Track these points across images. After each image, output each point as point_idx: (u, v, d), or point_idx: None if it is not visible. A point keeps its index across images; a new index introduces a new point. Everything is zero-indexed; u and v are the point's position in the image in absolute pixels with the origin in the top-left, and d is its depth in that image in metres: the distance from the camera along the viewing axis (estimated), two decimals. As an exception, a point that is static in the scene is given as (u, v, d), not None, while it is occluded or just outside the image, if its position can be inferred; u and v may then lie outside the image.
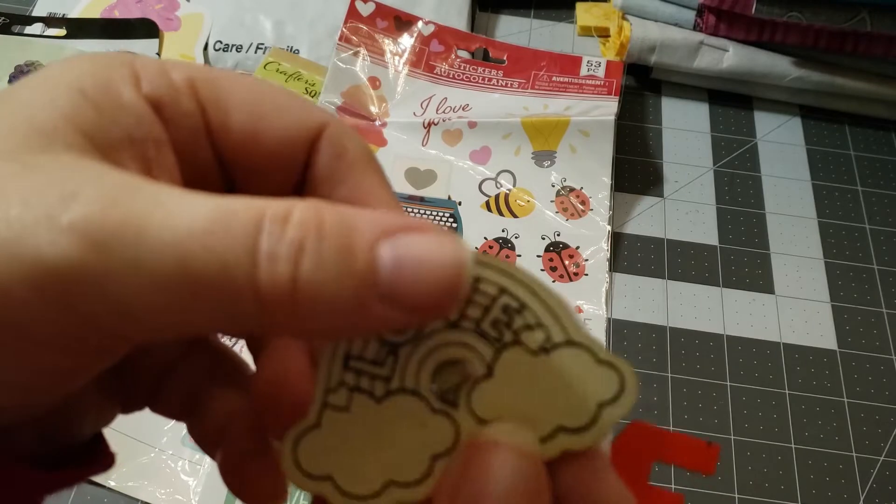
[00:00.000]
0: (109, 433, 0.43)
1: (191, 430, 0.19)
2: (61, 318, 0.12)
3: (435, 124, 0.53)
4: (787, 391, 0.45)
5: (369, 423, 0.16)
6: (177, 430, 0.41)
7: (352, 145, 0.17)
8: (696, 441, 0.16)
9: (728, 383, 0.45)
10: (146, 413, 0.41)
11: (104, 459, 0.18)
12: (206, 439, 0.19)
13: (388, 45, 0.56)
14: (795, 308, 0.48)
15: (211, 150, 0.16)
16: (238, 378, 0.19)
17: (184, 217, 0.12)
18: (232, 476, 0.18)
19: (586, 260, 0.49)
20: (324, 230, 0.13)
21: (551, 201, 0.51)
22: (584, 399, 0.15)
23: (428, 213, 0.50)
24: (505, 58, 0.56)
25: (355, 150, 0.17)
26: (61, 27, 0.57)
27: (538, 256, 0.49)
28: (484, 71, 0.56)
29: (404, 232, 0.13)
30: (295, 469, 0.16)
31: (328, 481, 0.16)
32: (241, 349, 0.21)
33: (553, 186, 0.52)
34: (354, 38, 0.56)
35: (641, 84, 0.59)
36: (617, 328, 0.47)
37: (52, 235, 0.11)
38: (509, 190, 0.52)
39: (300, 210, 0.13)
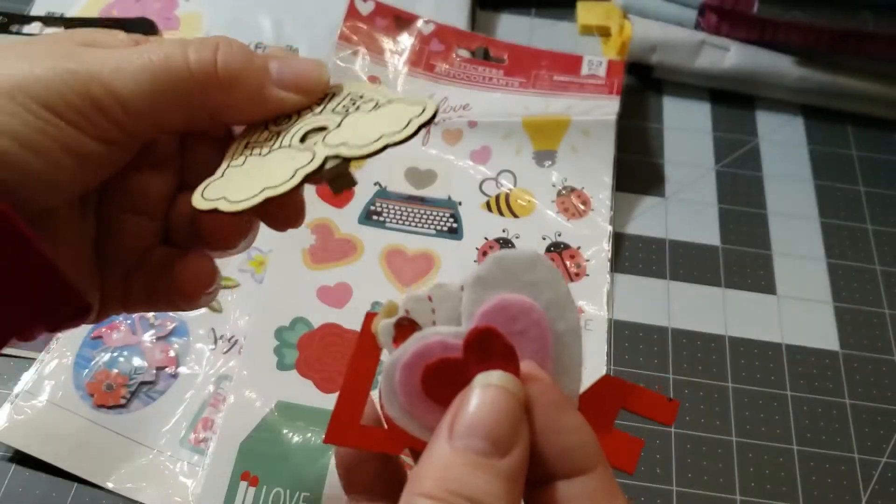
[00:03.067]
0: (108, 434, 0.43)
1: (157, 302, 0.26)
2: (80, 102, 0.20)
3: (435, 124, 0.53)
4: (788, 392, 0.45)
5: (255, 165, 0.22)
6: (175, 431, 0.41)
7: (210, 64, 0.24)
8: (658, 395, 0.20)
9: (730, 384, 0.45)
10: (145, 415, 0.42)
11: (85, 310, 0.24)
12: (163, 295, 0.26)
13: (387, 44, 0.56)
14: (797, 309, 0.48)
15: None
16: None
17: (145, 50, 0.22)
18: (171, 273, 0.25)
19: (587, 260, 0.49)
20: (227, 40, 0.23)
21: (552, 201, 0.51)
22: (400, 118, 0.22)
23: (428, 212, 0.50)
24: (505, 57, 0.56)
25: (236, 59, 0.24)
26: (60, 26, 0.56)
27: (539, 257, 0.49)
28: (484, 70, 0.56)
29: (285, 58, 0.24)
30: (200, 199, 0.22)
31: (221, 200, 0.22)
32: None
33: (554, 186, 0.51)
34: (354, 36, 0.55)
35: (643, 83, 0.59)
36: (618, 329, 0.47)
37: (76, 60, 0.21)
38: (510, 190, 0.51)
39: (210, 36, 0.23)
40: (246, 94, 0.22)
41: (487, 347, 0.19)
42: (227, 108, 0.23)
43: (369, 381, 0.20)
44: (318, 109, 0.23)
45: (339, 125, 0.22)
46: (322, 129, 0.23)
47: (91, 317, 0.24)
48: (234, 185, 0.22)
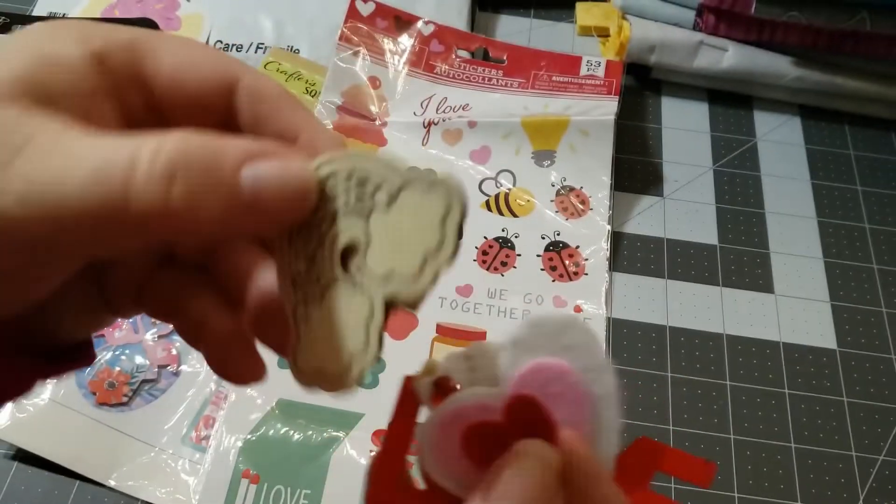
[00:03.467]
0: (110, 432, 0.43)
1: (177, 329, 0.22)
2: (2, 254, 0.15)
3: (435, 124, 0.53)
4: (786, 391, 0.45)
5: (323, 321, 0.20)
6: (177, 429, 0.41)
7: (268, 89, 0.20)
8: (695, 458, 0.20)
9: (728, 383, 0.45)
10: (147, 413, 0.42)
11: (86, 357, 0.22)
12: (189, 335, 0.21)
13: (388, 44, 0.56)
14: (795, 307, 0.48)
15: (141, 95, 0.19)
16: (208, 281, 0.22)
17: (76, 165, 0.15)
18: (217, 361, 0.21)
19: (586, 259, 0.49)
20: (190, 157, 0.16)
21: (551, 201, 0.51)
22: (431, 220, 0.19)
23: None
24: (505, 57, 0.56)
25: (272, 92, 0.20)
26: (61, 27, 0.57)
27: (538, 256, 0.49)
28: (484, 71, 0.56)
29: (262, 157, 0.17)
30: (301, 375, 0.20)
31: (319, 376, 0.20)
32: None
33: (553, 186, 0.52)
34: (354, 37, 0.56)
35: (641, 84, 0.59)
36: (617, 328, 0.47)
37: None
38: (509, 189, 0.52)
39: (170, 141, 0.16)
40: (210, 227, 0.16)
41: (527, 415, 0.19)
42: (181, 243, 0.20)
43: (409, 442, 0.21)
44: (331, 208, 0.20)
45: (369, 239, 0.20)
46: (354, 246, 0.20)
47: (93, 358, 0.23)
48: (319, 349, 0.21)
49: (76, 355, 0.21)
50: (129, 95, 0.19)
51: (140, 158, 0.15)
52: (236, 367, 0.21)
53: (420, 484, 0.21)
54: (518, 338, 0.20)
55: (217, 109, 0.20)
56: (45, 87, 0.17)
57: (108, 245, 0.16)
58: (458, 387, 0.20)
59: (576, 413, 0.19)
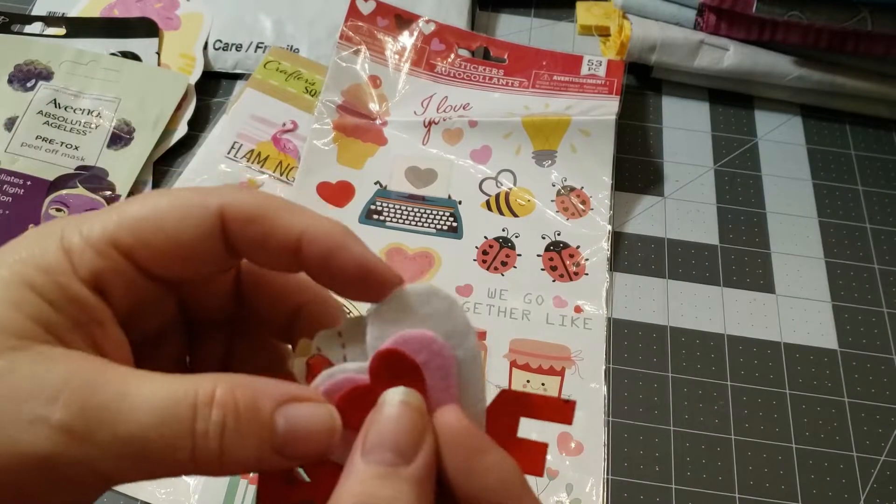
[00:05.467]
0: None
1: None
2: (50, 486, 0.17)
3: (435, 123, 0.53)
4: (787, 391, 0.45)
5: None
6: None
7: (249, 204, 0.20)
8: (554, 399, 0.21)
9: (728, 383, 0.45)
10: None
11: None
12: None
13: (388, 43, 0.56)
14: (796, 307, 0.48)
15: (149, 281, 0.20)
16: None
17: (140, 411, 0.17)
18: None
19: (587, 259, 0.49)
20: (238, 409, 0.18)
21: (552, 200, 0.51)
22: None
23: (428, 212, 0.50)
24: (506, 57, 0.56)
25: (254, 205, 0.20)
26: (61, 26, 0.57)
27: (538, 256, 0.49)
28: (485, 70, 0.56)
29: (293, 402, 0.19)
30: None
31: None
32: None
33: (553, 186, 0.51)
34: (355, 36, 0.55)
35: (642, 83, 0.59)
36: (617, 328, 0.47)
37: (44, 433, 0.16)
38: (510, 189, 0.51)
39: (220, 392, 0.18)
40: (244, 468, 0.18)
41: (392, 368, 0.20)
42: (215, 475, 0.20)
43: None
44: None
45: None
46: None
47: None
48: None
49: None
50: (134, 297, 0.20)
51: (198, 407, 0.17)
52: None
53: (305, 477, 0.21)
54: (381, 311, 0.20)
55: (216, 256, 0.21)
56: (56, 328, 0.18)
57: (151, 476, 0.18)
58: (333, 363, 0.21)
59: (444, 377, 0.20)
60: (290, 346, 0.25)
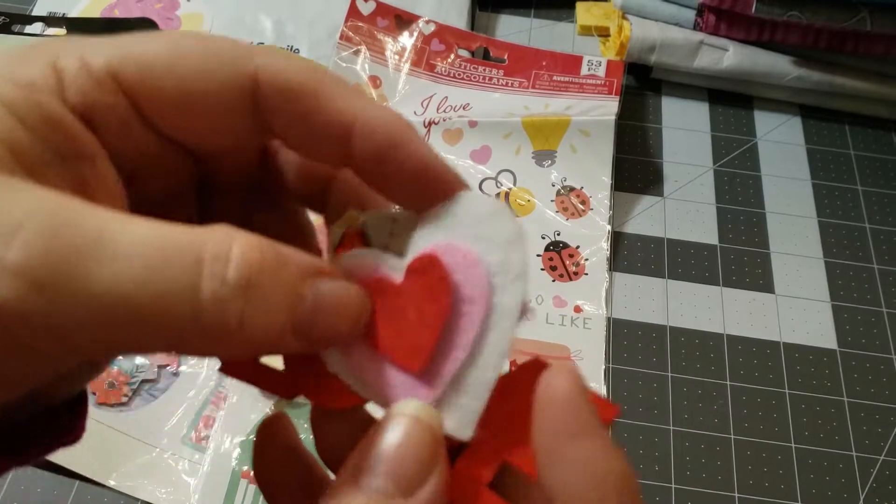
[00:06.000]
0: (110, 432, 0.43)
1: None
2: (7, 348, 0.13)
3: (435, 123, 0.53)
4: (786, 391, 0.45)
5: None
6: (176, 429, 0.41)
7: (296, 79, 0.16)
8: (596, 397, 0.16)
9: (728, 383, 0.45)
10: (147, 413, 0.42)
11: (74, 431, 0.18)
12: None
13: (388, 43, 0.56)
14: (795, 307, 0.48)
15: (152, 134, 0.17)
16: None
17: (123, 258, 0.13)
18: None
19: (586, 259, 0.49)
20: (260, 270, 0.14)
21: (551, 201, 0.51)
22: None
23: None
24: (506, 57, 0.56)
25: (300, 80, 0.16)
26: (61, 26, 0.57)
27: (538, 256, 0.49)
28: (484, 70, 0.56)
29: (322, 276, 0.16)
30: None
31: None
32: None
33: (553, 186, 0.52)
34: (355, 36, 0.56)
35: (641, 83, 0.59)
36: (617, 328, 0.47)
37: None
38: (509, 189, 0.52)
39: (238, 248, 0.14)
40: (257, 348, 0.15)
41: (424, 275, 0.17)
42: (221, 355, 0.17)
43: None
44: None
45: None
46: None
47: (81, 433, 0.19)
48: None
49: (64, 426, 0.18)
50: (129, 140, 0.16)
51: (205, 261, 0.13)
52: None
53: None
54: (437, 212, 0.17)
55: (242, 120, 0.17)
56: (35, 159, 0.14)
57: (143, 350, 0.14)
58: (371, 246, 0.18)
59: (465, 315, 0.17)
60: (317, 220, 0.21)
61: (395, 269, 0.18)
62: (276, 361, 0.18)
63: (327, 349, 0.17)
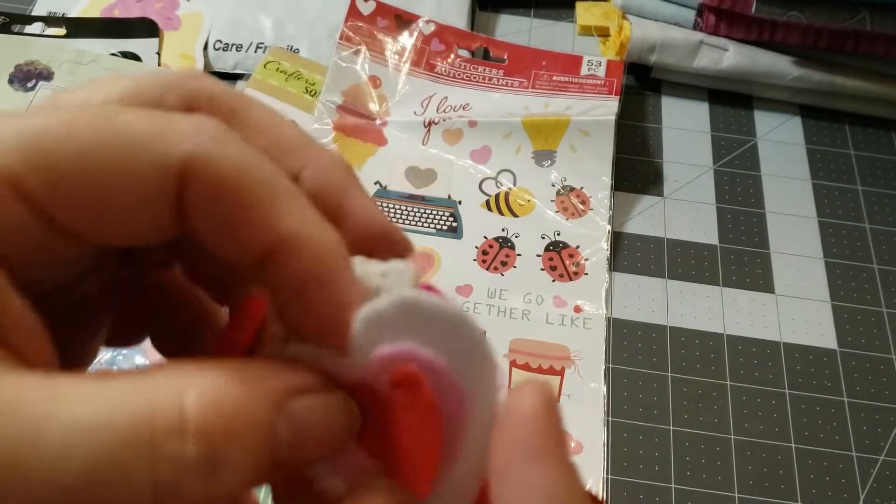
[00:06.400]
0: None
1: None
2: None
3: (435, 123, 0.53)
4: (787, 391, 0.45)
5: None
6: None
7: (227, 169, 0.14)
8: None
9: (728, 383, 0.45)
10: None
11: None
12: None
13: (388, 43, 0.56)
14: (795, 307, 0.48)
15: (60, 238, 0.14)
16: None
17: (62, 449, 0.11)
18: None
19: (586, 259, 0.49)
20: (228, 434, 0.12)
21: (551, 201, 0.51)
22: None
23: (428, 212, 0.50)
24: (506, 57, 0.56)
25: (231, 175, 0.14)
26: (61, 26, 0.57)
27: (538, 256, 0.49)
28: (484, 70, 0.56)
29: (298, 395, 0.14)
30: None
31: None
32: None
33: (553, 186, 0.52)
34: (355, 36, 0.56)
35: (641, 83, 0.59)
36: (617, 328, 0.47)
37: None
38: (509, 189, 0.51)
39: (194, 407, 0.12)
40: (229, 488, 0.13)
41: (403, 388, 0.15)
42: None
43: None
44: None
45: None
46: None
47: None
48: None
49: None
50: (34, 253, 0.14)
51: (157, 439, 0.12)
52: None
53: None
54: (382, 312, 0.15)
55: (156, 206, 0.14)
56: None
57: None
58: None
59: (430, 430, 0.15)
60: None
61: (341, 371, 0.15)
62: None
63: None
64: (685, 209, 0.53)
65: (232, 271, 0.17)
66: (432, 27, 0.57)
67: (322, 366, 0.15)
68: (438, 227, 0.50)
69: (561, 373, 0.45)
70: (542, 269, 0.48)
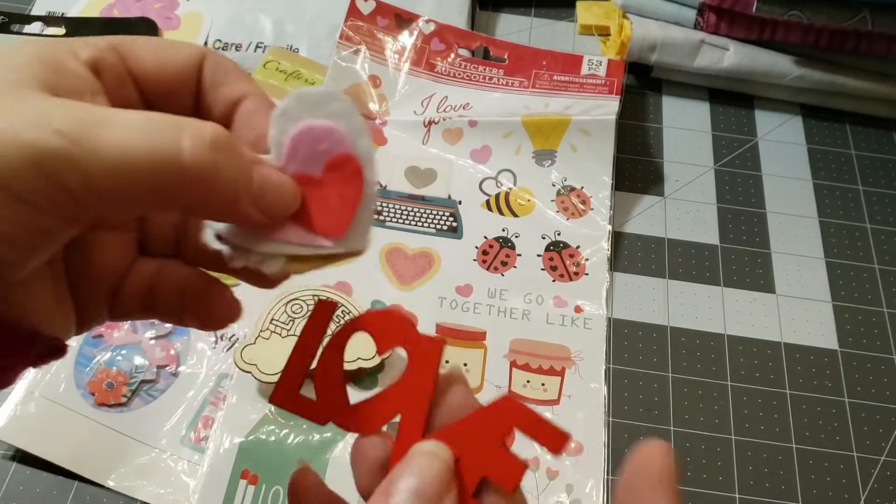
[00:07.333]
0: (109, 433, 0.43)
1: (155, 315, 0.24)
2: (48, 186, 0.17)
3: (435, 123, 0.53)
4: (787, 391, 0.45)
5: (277, 345, 0.37)
6: (175, 430, 0.41)
7: (224, 61, 0.23)
8: (553, 427, 0.21)
9: (728, 383, 0.45)
10: (146, 413, 0.42)
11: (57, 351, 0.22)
12: (169, 310, 0.24)
13: (388, 43, 0.56)
14: (796, 307, 0.48)
15: (134, 88, 0.22)
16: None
17: (123, 126, 0.18)
18: (197, 307, 0.24)
19: (587, 259, 0.49)
20: (227, 141, 0.19)
21: (552, 200, 0.51)
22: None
23: (428, 211, 0.50)
24: (506, 56, 0.56)
25: (226, 63, 0.23)
26: (60, 26, 0.56)
27: (538, 255, 0.49)
28: (485, 69, 0.56)
29: (262, 165, 0.20)
30: (240, 359, 0.39)
31: (254, 367, 0.40)
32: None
33: (553, 186, 0.51)
34: (355, 36, 0.55)
35: (642, 83, 0.59)
36: (617, 328, 0.47)
37: (44, 134, 0.17)
38: (510, 189, 0.51)
39: (209, 126, 0.19)
40: (220, 203, 0.20)
41: (301, 153, 0.21)
42: (198, 210, 0.21)
43: (313, 356, 0.23)
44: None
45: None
46: None
47: (64, 352, 0.22)
48: (263, 358, 0.40)
49: (48, 349, 0.22)
50: (122, 93, 0.22)
51: (184, 134, 0.18)
52: (216, 307, 0.24)
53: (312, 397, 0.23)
54: (286, 109, 0.21)
55: (192, 83, 0.23)
56: (58, 90, 0.19)
57: (150, 203, 0.19)
58: None
59: (353, 187, 0.22)
60: None
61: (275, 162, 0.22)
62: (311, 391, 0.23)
63: (266, 237, 0.21)
64: (686, 209, 0.52)
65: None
66: (432, 26, 0.56)
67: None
68: (438, 227, 0.50)
69: (561, 373, 0.44)
70: (543, 269, 0.48)
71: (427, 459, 0.21)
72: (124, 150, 0.18)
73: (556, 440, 0.21)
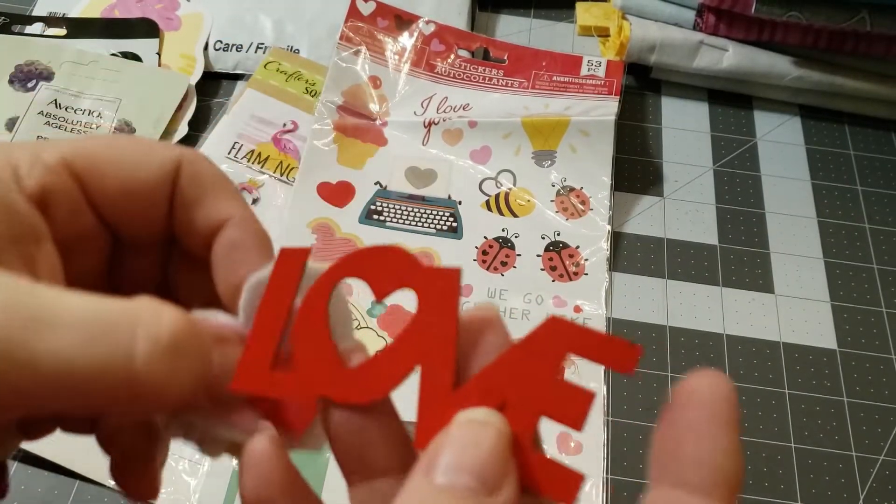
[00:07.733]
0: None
1: (97, 437, 0.22)
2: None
3: (435, 124, 0.53)
4: (786, 391, 0.45)
5: None
6: (177, 429, 0.41)
7: (204, 169, 0.20)
8: (618, 339, 0.16)
9: (728, 383, 0.45)
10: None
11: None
12: (105, 443, 0.22)
13: (388, 44, 0.56)
14: (795, 307, 0.48)
15: (92, 215, 0.19)
16: None
17: (65, 329, 0.15)
18: (119, 473, 0.22)
19: (586, 259, 0.49)
20: (187, 339, 0.16)
21: (551, 201, 0.51)
22: None
23: (428, 212, 0.50)
24: (505, 57, 0.56)
25: (208, 172, 0.20)
26: (61, 27, 0.57)
27: (538, 256, 0.49)
28: (484, 70, 0.56)
29: (225, 343, 0.18)
30: None
31: None
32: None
33: (553, 186, 0.52)
34: (355, 36, 0.56)
35: (641, 84, 0.59)
36: (617, 328, 0.47)
37: None
38: (509, 189, 0.52)
39: (167, 315, 0.16)
40: (171, 405, 0.17)
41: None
42: (142, 414, 0.19)
43: (282, 320, 0.18)
44: None
45: None
46: None
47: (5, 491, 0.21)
48: None
49: None
50: (75, 226, 0.19)
51: (138, 334, 0.15)
52: (137, 481, 0.21)
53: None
54: (261, 280, 0.19)
55: (164, 197, 0.20)
56: None
57: (76, 410, 0.16)
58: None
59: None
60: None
61: (237, 328, 0.19)
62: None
63: (214, 416, 0.19)
64: (685, 209, 0.53)
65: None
66: (432, 27, 0.57)
67: (230, 326, 0.19)
68: (438, 227, 0.50)
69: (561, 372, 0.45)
70: (542, 270, 0.49)
71: (477, 429, 0.16)
72: (67, 362, 0.15)
73: (625, 357, 0.16)
